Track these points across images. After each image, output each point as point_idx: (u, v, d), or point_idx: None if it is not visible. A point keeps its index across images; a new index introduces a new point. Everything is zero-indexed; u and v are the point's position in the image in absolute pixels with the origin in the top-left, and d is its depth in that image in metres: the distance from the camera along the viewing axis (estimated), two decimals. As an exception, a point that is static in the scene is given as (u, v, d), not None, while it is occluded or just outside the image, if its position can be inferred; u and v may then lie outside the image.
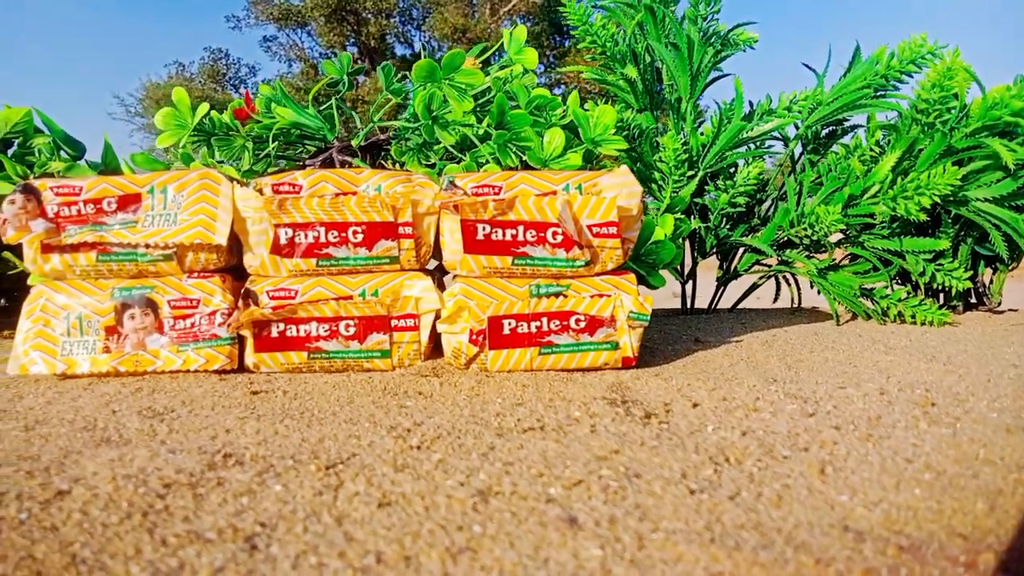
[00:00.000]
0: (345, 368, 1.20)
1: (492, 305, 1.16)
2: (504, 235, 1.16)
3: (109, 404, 1.01)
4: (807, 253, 1.90)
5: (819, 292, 2.07)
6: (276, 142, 1.75)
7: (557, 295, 1.18)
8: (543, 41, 16.85)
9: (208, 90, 16.41)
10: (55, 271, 1.19)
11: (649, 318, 1.17)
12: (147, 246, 1.16)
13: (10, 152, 1.79)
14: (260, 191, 1.18)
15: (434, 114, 1.65)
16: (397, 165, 1.95)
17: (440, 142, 1.60)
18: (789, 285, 2.06)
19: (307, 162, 1.90)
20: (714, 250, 1.97)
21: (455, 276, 1.24)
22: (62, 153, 1.89)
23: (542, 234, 1.16)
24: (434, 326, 1.21)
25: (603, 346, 1.18)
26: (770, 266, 2.02)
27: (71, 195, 1.17)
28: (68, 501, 0.65)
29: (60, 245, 1.17)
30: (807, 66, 2.02)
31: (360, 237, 1.18)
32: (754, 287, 2.07)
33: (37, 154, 1.82)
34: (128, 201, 1.17)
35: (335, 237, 1.18)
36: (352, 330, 1.18)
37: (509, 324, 1.17)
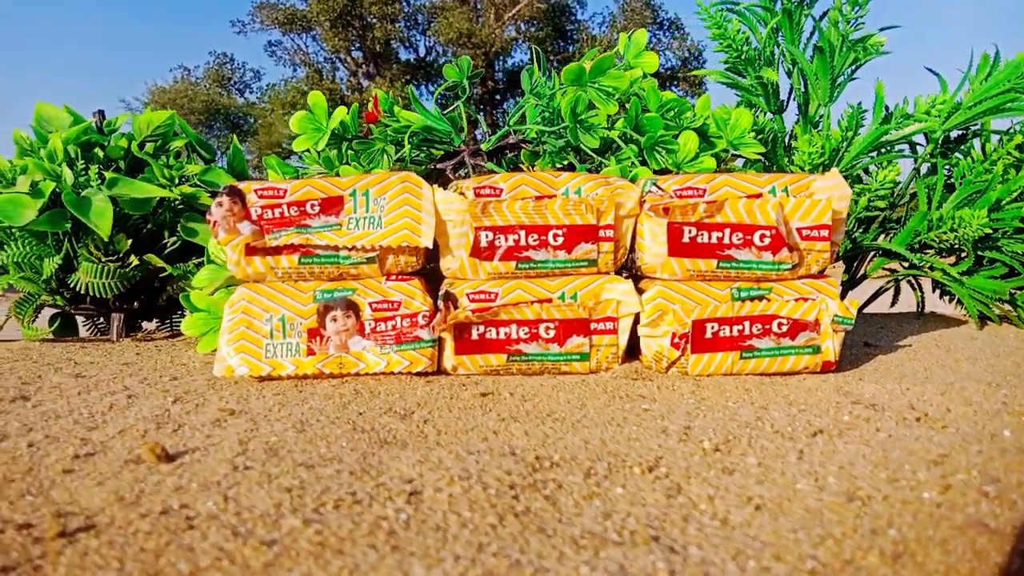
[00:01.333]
0: (542, 371, 1.20)
1: (696, 309, 1.16)
2: (710, 238, 1.16)
3: (348, 406, 1.01)
4: (938, 258, 1.89)
5: (941, 296, 2.05)
6: (410, 145, 1.75)
7: (760, 298, 1.18)
8: (547, 47, 16.86)
9: (213, 94, 16.50)
10: (257, 273, 1.20)
11: (853, 322, 1.16)
12: (352, 248, 1.17)
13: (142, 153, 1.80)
14: (462, 193, 1.18)
15: (579, 118, 1.66)
16: (530, 169, 1.95)
17: (578, 146, 1.60)
18: (915, 290, 2.05)
19: (438, 166, 1.91)
20: (842, 254, 1.96)
21: (643, 279, 1.24)
22: (196, 156, 1.91)
23: (749, 237, 1.15)
24: (632, 329, 1.20)
25: (804, 350, 1.18)
26: (895, 270, 2.00)
27: (275, 197, 1.17)
28: (430, 502, 0.65)
29: (264, 247, 1.17)
30: (931, 71, 2.00)
31: (560, 240, 1.18)
32: (880, 291, 2.06)
33: (168, 158, 1.83)
34: (331, 204, 1.18)
35: (535, 240, 1.18)
36: (552, 333, 1.18)
37: (712, 328, 1.16)
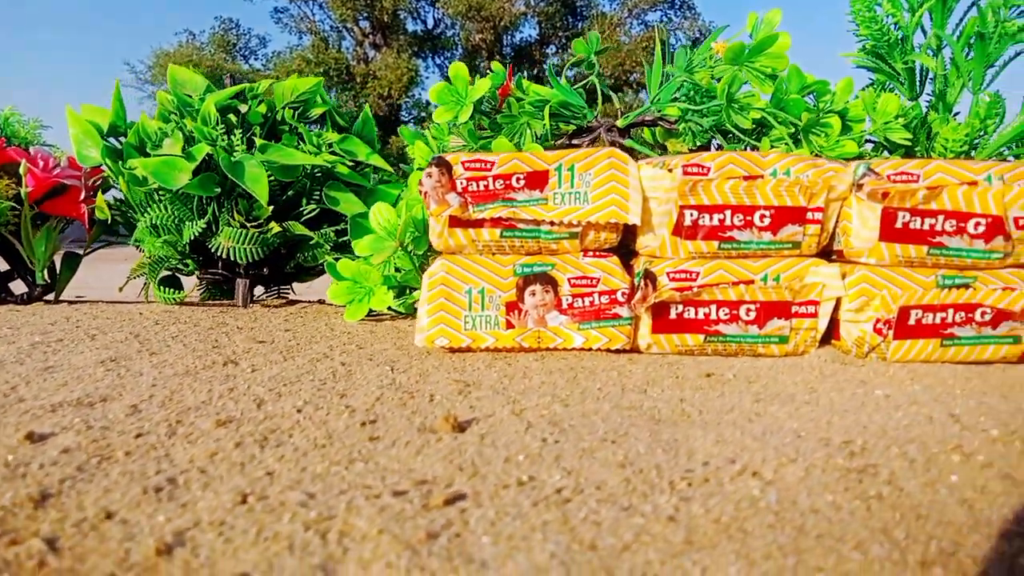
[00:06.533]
0: (738, 352, 1.20)
1: (904, 295, 1.15)
2: (923, 224, 1.14)
3: (577, 381, 1.01)
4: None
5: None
6: (549, 120, 1.73)
7: (965, 286, 1.16)
8: (556, 22, 16.61)
9: (218, 60, 16.39)
10: (458, 245, 1.20)
11: (1060, 313, 1.15)
12: (555, 223, 1.16)
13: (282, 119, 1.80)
14: (670, 171, 1.17)
15: (732, 97, 1.63)
16: (659, 148, 1.93)
17: (725, 125, 1.58)
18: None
19: (574, 141, 1.89)
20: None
21: (839, 263, 1.23)
22: (332, 125, 1.90)
23: (963, 224, 1.14)
24: (832, 313, 1.20)
25: (1005, 340, 1.17)
26: None
27: (482, 170, 1.17)
28: (778, 482, 0.65)
29: (469, 219, 1.17)
30: (1071, 57, 1.96)
31: (767, 221, 1.17)
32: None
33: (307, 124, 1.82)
34: (536, 178, 1.17)
35: (740, 220, 1.17)
36: (752, 315, 1.18)
37: (916, 315, 1.15)
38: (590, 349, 1.20)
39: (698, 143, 1.78)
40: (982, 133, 1.85)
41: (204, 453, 0.71)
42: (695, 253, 1.19)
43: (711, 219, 1.17)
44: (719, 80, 1.64)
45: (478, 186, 1.17)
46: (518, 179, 1.17)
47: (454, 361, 1.13)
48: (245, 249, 1.71)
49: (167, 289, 1.87)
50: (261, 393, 0.93)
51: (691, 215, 1.17)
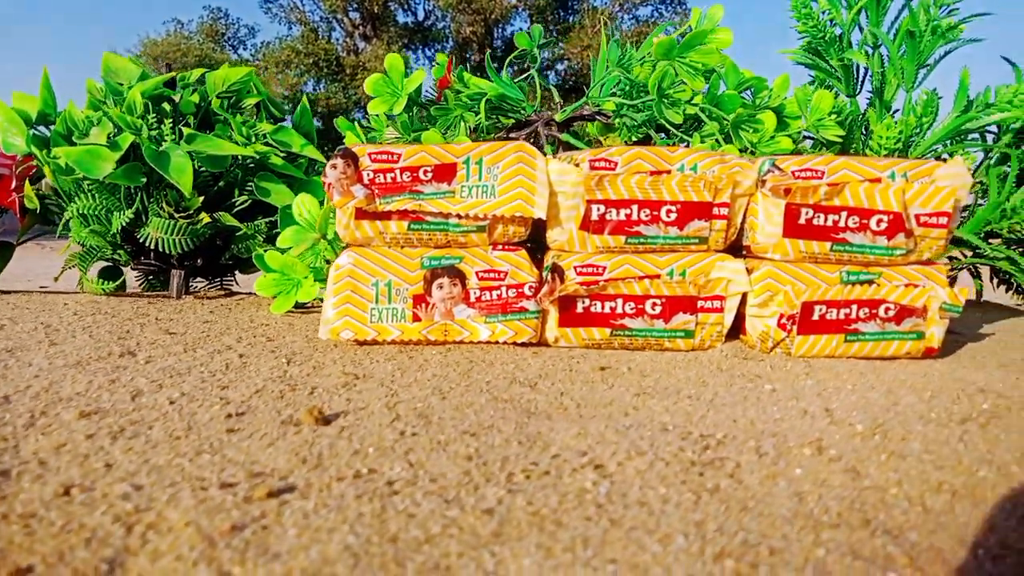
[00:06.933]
0: (644, 347, 1.20)
1: (806, 291, 1.16)
2: (826, 220, 1.15)
3: (470, 375, 1.01)
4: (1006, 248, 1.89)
5: (997, 286, 2.05)
6: (484, 113, 1.73)
7: (869, 283, 1.17)
8: (547, 16, 16.57)
9: (206, 49, 16.24)
10: (365, 238, 1.19)
11: (961, 310, 1.16)
12: (464, 216, 1.16)
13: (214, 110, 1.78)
14: (577, 165, 1.17)
15: (664, 92, 1.63)
16: (601, 142, 1.93)
17: (658, 121, 1.58)
18: (975, 278, 2.04)
19: (511, 135, 1.89)
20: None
21: (747, 259, 1.23)
22: (267, 115, 1.89)
23: (865, 221, 1.15)
24: (738, 309, 1.20)
25: (908, 336, 1.18)
26: (955, 258, 2.00)
27: (388, 162, 1.16)
28: (619, 475, 0.65)
29: (375, 212, 1.17)
30: (1008, 60, 1.98)
31: (673, 216, 1.17)
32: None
33: (240, 114, 1.81)
34: (444, 171, 1.16)
35: (647, 215, 1.17)
36: (658, 309, 1.18)
37: (819, 310, 1.16)
38: (497, 342, 1.19)
39: (633, 138, 1.79)
40: (918, 131, 1.86)
41: (52, 445, 0.70)
42: (602, 248, 1.19)
43: (618, 214, 1.17)
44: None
45: (385, 178, 1.16)
46: (426, 172, 1.16)
47: (356, 354, 1.13)
48: (174, 240, 1.70)
49: (102, 280, 1.85)
50: (142, 385, 0.92)
51: (598, 209, 1.17)
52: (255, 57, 17.01)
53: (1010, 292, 2.05)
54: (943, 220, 1.14)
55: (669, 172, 1.18)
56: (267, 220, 1.78)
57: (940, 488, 0.64)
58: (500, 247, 1.20)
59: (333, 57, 15.92)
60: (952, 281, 2.13)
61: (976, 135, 1.99)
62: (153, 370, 1.00)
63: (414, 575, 0.48)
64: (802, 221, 1.15)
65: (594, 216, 1.17)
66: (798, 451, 0.72)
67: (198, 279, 2.02)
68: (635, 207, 1.17)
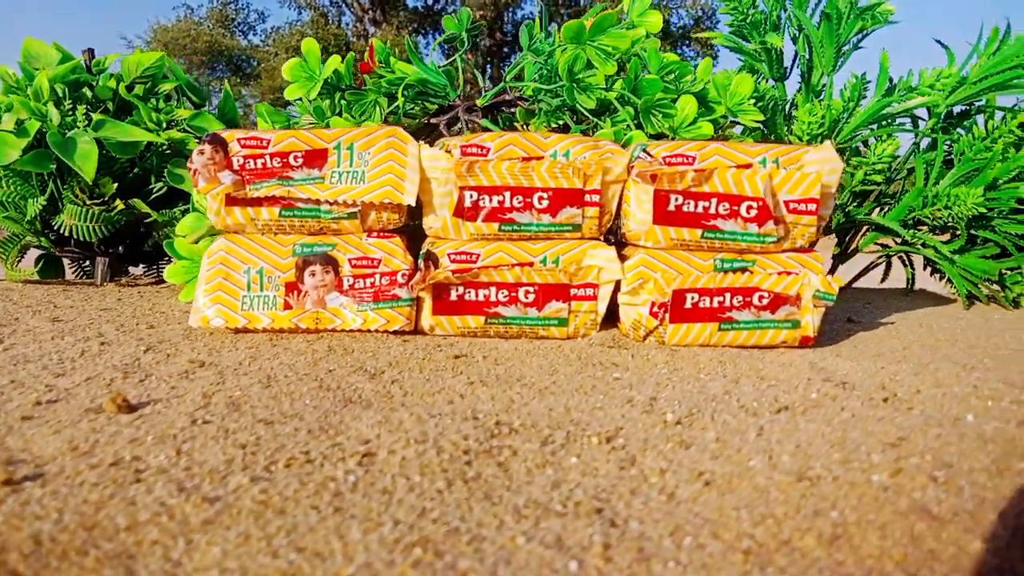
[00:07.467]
0: (520, 335, 1.20)
1: (677, 278, 1.15)
2: (696, 207, 1.14)
3: (318, 363, 1.01)
4: (932, 235, 1.87)
5: (931, 274, 2.03)
6: (404, 98, 1.72)
7: (742, 270, 1.16)
8: (558, 0, 16.44)
9: (216, 35, 16.19)
10: (237, 224, 1.18)
11: (835, 298, 1.15)
12: (333, 203, 1.15)
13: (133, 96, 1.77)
14: (448, 151, 1.16)
15: (576, 77, 1.62)
16: (524, 127, 1.92)
17: (573, 106, 1.57)
18: (905, 266, 2.03)
19: (432, 120, 1.88)
20: (836, 227, 1.94)
21: (625, 247, 1.23)
22: (186, 100, 1.88)
23: (735, 207, 1.14)
24: (612, 296, 1.20)
25: (783, 324, 1.17)
26: (887, 246, 1.98)
27: (258, 148, 1.16)
28: (381, 465, 0.65)
29: (246, 198, 1.16)
30: (940, 43, 1.95)
31: (545, 203, 1.16)
32: (870, 267, 2.04)
33: (157, 100, 1.80)
34: (314, 157, 1.16)
35: (520, 202, 1.16)
36: (531, 297, 1.18)
37: (692, 298, 1.15)
38: (370, 331, 1.19)
39: (552, 123, 1.77)
40: (846, 115, 1.84)
41: None
42: (477, 235, 1.18)
43: (491, 200, 1.16)
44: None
45: (255, 164, 1.16)
46: (296, 157, 1.16)
47: (222, 342, 1.13)
48: (88, 227, 1.70)
49: (21, 267, 1.86)
50: (-23, 372, 0.92)
51: (471, 196, 1.16)
52: (265, 43, 16.96)
53: (943, 280, 2.03)
54: (811, 207, 1.13)
55: (541, 158, 1.17)
56: (184, 207, 1.77)
57: (698, 477, 0.63)
58: (375, 234, 1.20)
59: (343, 42, 15.85)
60: (887, 269, 2.12)
61: (908, 119, 1.97)
62: (3, 358, 1.00)
63: (94, 563, 0.48)
64: (672, 208, 1.14)
65: (467, 203, 1.17)
66: (586, 441, 0.72)
67: (138, 266, 2.03)
68: (507, 194, 1.16)
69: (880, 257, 2.01)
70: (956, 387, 0.94)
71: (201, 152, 1.15)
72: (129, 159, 1.76)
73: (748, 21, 1.85)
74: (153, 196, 1.79)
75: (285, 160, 1.16)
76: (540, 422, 0.77)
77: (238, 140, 1.16)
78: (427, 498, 0.59)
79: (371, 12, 16.65)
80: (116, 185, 1.73)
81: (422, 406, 0.82)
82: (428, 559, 0.49)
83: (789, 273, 1.16)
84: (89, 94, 1.80)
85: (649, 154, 1.15)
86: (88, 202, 1.70)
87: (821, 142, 1.84)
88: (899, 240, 1.90)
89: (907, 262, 2.03)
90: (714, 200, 1.14)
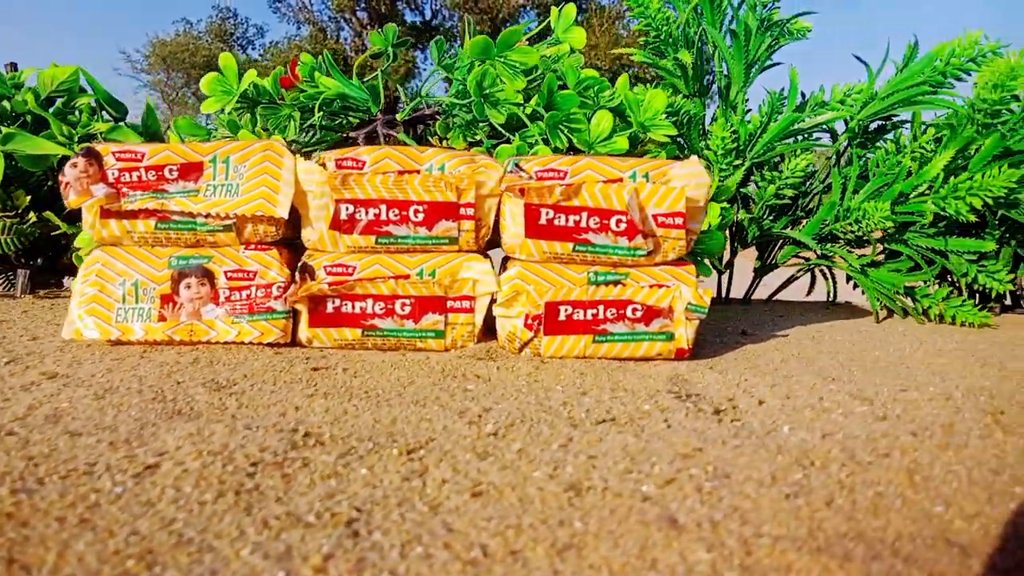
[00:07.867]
0: (398, 347, 1.20)
1: (550, 291, 1.16)
2: (567, 221, 1.15)
3: (171, 375, 1.01)
4: (848, 248, 1.89)
5: (855, 287, 2.05)
6: (322, 112, 1.73)
7: (615, 283, 1.17)
8: None
9: (215, 49, 16.23)
10: (113, 237, 1.18)
11: (707, 310, 1.16)
12: (207, 216, 1.16)
13: (52, 110, 1.78)
14: (323, 165, 1.17)
15: (485, 92, 1.63)
16: (442, 141, 1.93)
17: (487, 120, 1.58)
18: (826, 279, 2.04)
19: (351, 135, 1.88)
20: (753, 240, 1.95)
21: (508, 259, 1.23)
22: (104, 114, 1.88)
23: (605, 221, 1.15)
24: (489, 309, 1.20)
25: (658, 337, 1.18)
26: (808, 259, 2.00)
27: (133, 161, 1.16)
28: (159, 476, 0.65)
29: (120, 211, 1.16)
30: (858, 58, 1.98)
31: (421, 216, 1.17)
32: (791, 280, 2.06)
33: (78, 114, 1.81)
34: (190, 170, 1.16)
35: (396, 215, 1.17)
36: (408, 309, 1.18)
37: (565, 310, 1.16)
38: (245, 343, 1.19)
39: (469, 137, 1.78)
40: (761, 131, 1.86)
41: None
42: (354, 247, 1.19)
43: (367, 213, 1.17)
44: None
45: (131, 177, 1.16)
46: (171, 170, 1.16)
47: (91, 354, 1.12)
48: (2, 239, 1.69)
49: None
50: None
51: (347, 209, 1.17)
52: (264, 57, 17.02)
53: (865, 293, 2.05)
54: (679, 220, 1.14)
55: (417, 172, 1.18)
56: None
57: (472, 488, 0.63)
58: (252, 246, 1.20)
59: (341, 57, 15.93)
60: (812, 282, 2.14)
61: (827, 134, 1.99)
62: None
63: None
64: (543, 221, 1.15)
65: (343, 216, 1.17)
66: (386, 452, 0.72)
67: (64, 278, 2.02)
68: (383, 207, 1.17)
69: (800, 270, 2.02)
70: (801, 399, 0.95)
71: (74, 165, 1.15)
72: (44, 172, 1.75)
73: (663, 38, 1.87)
74: (68, 209, 1.78)
75: (160, 173, 1.16)
76: (355, 434, 0.77)
77: (113, 153, 1.16)
78: (185, 509, 0.59)
79: (369, 27, 16.73)
80: (30, 198, 1.72)
81: (248, 418, 0.82)
82: (135, 570, 0.49)
83: (661, 286, 1.17)
84: (8, 107, 1.80)
85: (521, 168, 1.16)
86: (1, 215, 1.70)
87: (737, 157, 1.86)
88: (818, 254, 1.92)
89: (828, 275, 2.05)
90: (584, 214, 1.15)
